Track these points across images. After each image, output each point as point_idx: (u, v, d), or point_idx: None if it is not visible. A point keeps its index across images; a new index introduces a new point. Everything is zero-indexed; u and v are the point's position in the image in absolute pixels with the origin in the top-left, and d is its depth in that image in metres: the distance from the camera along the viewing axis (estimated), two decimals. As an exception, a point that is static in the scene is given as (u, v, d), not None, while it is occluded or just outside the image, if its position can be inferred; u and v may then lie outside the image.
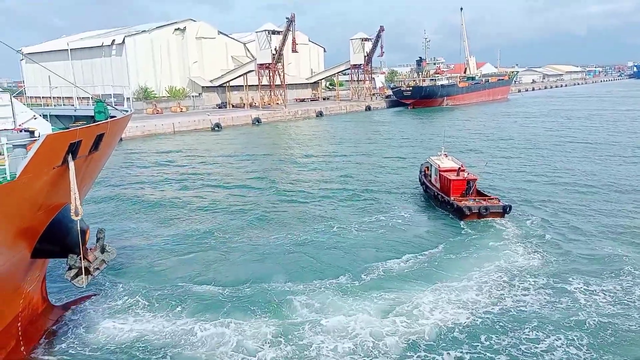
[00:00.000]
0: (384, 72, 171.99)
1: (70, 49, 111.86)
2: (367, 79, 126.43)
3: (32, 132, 13.07)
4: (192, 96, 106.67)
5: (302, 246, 23.75)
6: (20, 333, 14.30)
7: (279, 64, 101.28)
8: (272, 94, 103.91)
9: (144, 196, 34.91)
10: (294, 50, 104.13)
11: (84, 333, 15.85)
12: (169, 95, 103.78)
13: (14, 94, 17.26)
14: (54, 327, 16.13)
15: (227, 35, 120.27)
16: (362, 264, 21.08)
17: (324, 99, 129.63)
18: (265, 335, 15.69)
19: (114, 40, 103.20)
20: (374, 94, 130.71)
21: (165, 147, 60.47)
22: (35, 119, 15.25)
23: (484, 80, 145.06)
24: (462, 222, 26.32)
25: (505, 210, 26.65)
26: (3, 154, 11.13)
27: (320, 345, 15.07)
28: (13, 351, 13.96)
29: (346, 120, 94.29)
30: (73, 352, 14.92)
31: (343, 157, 49.85)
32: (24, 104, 15.98)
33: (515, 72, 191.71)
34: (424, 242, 23.77)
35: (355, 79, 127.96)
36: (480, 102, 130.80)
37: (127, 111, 17.17)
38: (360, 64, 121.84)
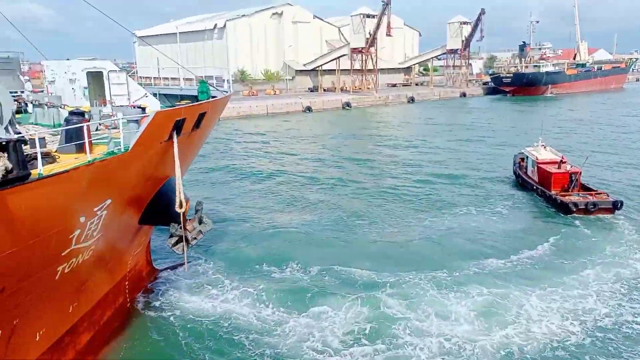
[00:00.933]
0: (482, 58, 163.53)
1: (178, 33, 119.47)
2: (464, 64, 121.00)
3: (143, 109, 14.24)
4: (286, 79, 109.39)
5: (392, 235, 23.07)
6: (127, 290, 15.90)
7: (372, 48, 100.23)
8: (364, 78, 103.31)
9: (238, 173, 36.75)
10: (388, 34, 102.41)
11: (177, 297, 17.09)
12: (264, 78, 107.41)
13: (128, 74, 18.89)
14: (154, 287, 17.68)
15: (321, 19, 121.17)
16: (457, 260, 19.69)
17: (416, 85, 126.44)
18: (354, 330, 14.81)
19: (216, 24, 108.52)
20: (470, 80, 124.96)
21: (259, 128, 62.92)
22: (146, 96, 16.60)
23: (595, 67, 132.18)
24: (566, 219, 24.30)
25: (615, 206, 24.34)
26: (119, 128, 12.23)
27: (412, 345, 14.08)
28: (121, 305, 15.59)
29: (439, 107, 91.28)
30: (166, 312, 16.19)
31: (433, 145, 48.48)
32: (137, 83, 17.43)
33: (635, 60, 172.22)
34: (525, 240, 21.85)
35: (451, 64, 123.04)
36: (590, 92, 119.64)
37: (227, 92, 18.08)
38: (457, 49, 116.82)
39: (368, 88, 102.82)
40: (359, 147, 48.11)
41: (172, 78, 24.97)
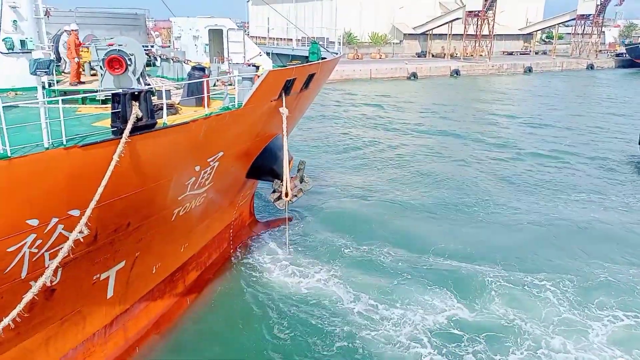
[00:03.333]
0: (618, 25, 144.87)
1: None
2: (595, 32, 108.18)
3: (257, 67, 14.69)
4: (393, 43, 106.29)
5: (499, 222, 20.78)
6: (231, 238, 17.09)
7: (490, 12, 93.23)
8: (477, 44, 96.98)
9: (336, 138, 37.02)
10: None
11: (274, 250, 17.93)
12: (370, 41, 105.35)
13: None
14: (254, 238, 18.78)
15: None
16: (582, 264, 16.83)
17: (536, 53, 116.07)
18: (448, 334, 13.23)
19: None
20: (600, 51, 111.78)
21: (360, 93, 62.39)
22: (260, 55, 17.12)
23: None
24: None
25: None
26: (234, 85, 12.80)
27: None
28: (225, 251, 16.84)
29: (560, 78, 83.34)
30: (263, 263, 17.09)
31: (548, 120, 44.64)
32: (256, 42, 18.02)
33: None
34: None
35: (580, 31, 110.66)
36: None
37: (336, 54, 18.04)
38: (590, 15, 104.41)
39: (480, 55, 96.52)
40: (463, 119, 45.80)
41: (280, 38, 25.39)
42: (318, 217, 21.15)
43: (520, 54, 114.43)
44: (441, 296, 14.93)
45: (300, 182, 16.13)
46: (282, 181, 15.08)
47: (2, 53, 13.48)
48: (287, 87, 13.88)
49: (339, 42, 19.76)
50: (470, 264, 16.85)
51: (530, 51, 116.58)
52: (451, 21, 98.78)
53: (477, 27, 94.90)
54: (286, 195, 15.11)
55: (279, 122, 14.39)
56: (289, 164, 15.25)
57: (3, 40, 13.41)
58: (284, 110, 14.08)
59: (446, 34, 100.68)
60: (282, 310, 14.42)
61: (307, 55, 17.50)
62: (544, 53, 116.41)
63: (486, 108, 52.29)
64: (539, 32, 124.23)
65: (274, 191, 15.54)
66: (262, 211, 21.38)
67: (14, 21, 13.67)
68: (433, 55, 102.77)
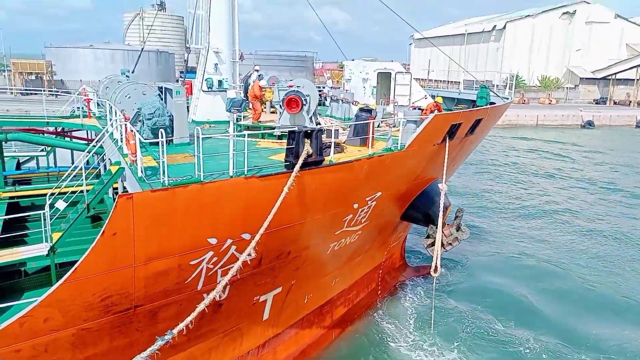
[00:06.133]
0: None
1: (452, 35, 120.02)
2: None
3: (421, 110, 14.68)
4: (566, 88, 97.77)
5: None
6: (379, 278, 16.98)
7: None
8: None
9: (498, 187, 34.78)
10: None
11: (419, 304, 17.21)
12: (539, 85, 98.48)
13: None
14: (403, 283, 18.36)
15: (625, 19, 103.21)
16: None
17: None
18: None
19: (495, 26, 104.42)
20: None
21: (525, 140, 58.18)
22: (425, 98, 17.12)
23: None
24: None
25: None
26: (398, 127, 12.94)
27: None
28: (372, 291, 16.77)
29: None
30: (411, 310, 16.55)
31: None
32: (420, 85, 18.15)
33: None
34: None
35: None
36: None
37: (506, 99, 17.16)
38: None
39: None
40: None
41: (444, 81, 25.08)
42: (470, 274, 19.79)
43: None
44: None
45: (457, 231, 15.40)
46: (437, 227, 14.59)
47: (202, 91, 15.77)
48: (452, 132, 13.58)
49: (509, 86, 18.75)
50: None
51: None
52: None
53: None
54: (441, 243, 14.53)
55: (439, 167, 14.09)
56: (446, 210, 14.71)
57: (205, 80, 15.71)
58: (446, 155, 13.76)
59: (633, 79, 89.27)
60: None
61: (474, 99, 16.97)
62: None
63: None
64: None
65: (427, 236, 15.09)
66: (413, 255, 20.89)
67: (215, 64, 15.97)
68: (615, 103, 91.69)
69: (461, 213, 15.53)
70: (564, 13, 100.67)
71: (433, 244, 14.87)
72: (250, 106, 15.18)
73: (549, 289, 18.52)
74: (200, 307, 9.30)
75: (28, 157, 19.20)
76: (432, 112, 14.48)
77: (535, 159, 46.38)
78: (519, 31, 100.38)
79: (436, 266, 14.23)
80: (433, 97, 19.03)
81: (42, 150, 18.84)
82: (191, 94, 16.69)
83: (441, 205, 14.21)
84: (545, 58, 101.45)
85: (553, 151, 50.25)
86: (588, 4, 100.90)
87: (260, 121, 15.14)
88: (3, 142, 15.16)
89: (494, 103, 16.41)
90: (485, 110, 14.97)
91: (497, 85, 19.47)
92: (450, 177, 16.97)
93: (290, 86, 13.58)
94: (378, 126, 14.94)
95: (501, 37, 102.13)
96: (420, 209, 15.09)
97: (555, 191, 33.47)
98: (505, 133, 63.25)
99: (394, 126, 13.58)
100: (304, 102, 13.21)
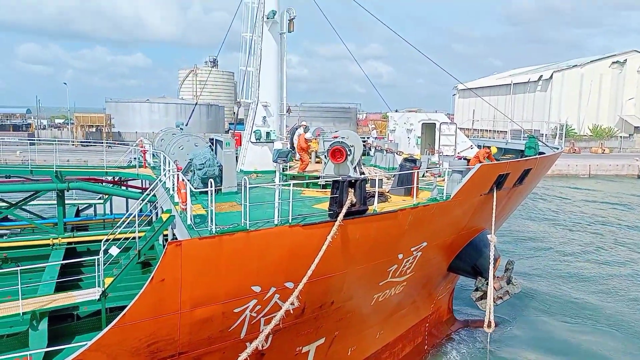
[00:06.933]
0: None
1: (497, 85, 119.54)
2: None
3: (468, 160, 14.56)
4: (620, 137, 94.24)
5: None
6: (426, 332, 16.33)
7: None
8: None
9: (551, 239, 33.22)
10: None
11: (473, 354, 16.41)
12: (591, 134, 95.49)
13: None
14: (451, 338, 17.55)
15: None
16: None
17: None
18: None
19: (541, 76, 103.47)
20: None
21: (577, 190, 55.86)
22: (471, 148, 16.99)
23: None
24: None
25: None
26: (444, 177, 12.85)
27: None
28: (419, 346, 16.10)
29: None
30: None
31: None
32: (465, 135, 18.10)
33: None
34: None
35: None
36: None
37: (557, 148, 16.77)
38: None
39: None
40: None
41: (489, 130, 24.84)
42: (524, 331, 18.68)
43: None
44: None
45: (507, 284, 14.75)
46: (486, 280, 14.05)
47: (251, 142, 16.38)
48: (499, 182, 13.32)
49: (558, 136, 18.35)
50: None
51: None
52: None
53: None
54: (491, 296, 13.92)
55: (487, 217, 13.75)
56: (496, 262, 14.19)
57: (254, 132, 16.35)
58: (494, 205, 13.45)
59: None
60: None
61: (522, 148, 16.68)
62: None
63: None
64: None
65: (476, 289, 14.52)
66: (462, 308, 20.03)
67: (264, 117, 16.64)
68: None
69: (512, 265, 14.93)
70: (613, 62, 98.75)
71: (482, 298, 14.28)
72: (297, 157, 15.57)
73: (612, 345, 17.18)
74: (243, 356, 9.26)
75: (87, 205, 20.29)
76: (484, 158, 14.33)
77: (590, 208, 44.26)
78: (566, 80, 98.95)
79: (489, 321, 13.63)
80: (480, 146, 18.88)
81: (99, 198, 19.89)
82: (240, 145, 17.36)
83: (491, 257, 13.74)
84: (596, 107, 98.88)
85: (609, 201, 47.87)
86: (639, 52, 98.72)
87: (305, 171, 15.45)
88: (65, 191, 16.14)
89: (543, 153, 16.06)
90: (534, 160, 14.66)
91: (545, 135, 19.08)
92: (499, 227, 16.48)
93: (335, 137, 13.88)
94: (423, 176, 14.88)
95: (548, 87, 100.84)
96: (468, 260, 14.63)
97: (612, 241, 31.60)
98: (556, 182, 61.06)
99: (439, 176, 13.49)
100: (348, 153, 13.42)
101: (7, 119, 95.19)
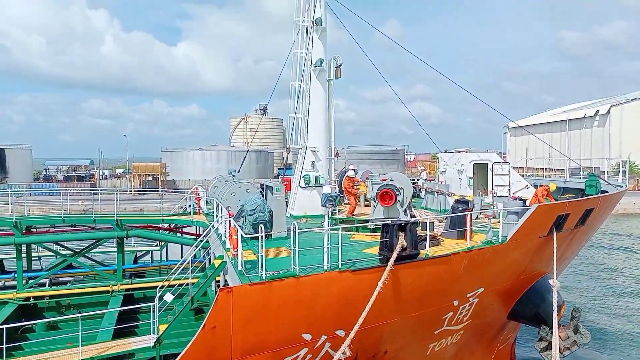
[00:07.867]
0: None
1: (550, 122, 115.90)
2: None
3: (524, 201, 13.99)
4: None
5: None
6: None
7: None
8: None
9: (620, 285, 30.73)
10: None
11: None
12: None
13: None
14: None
15: None
16: None
17: None
18: None
19: (597, 110, 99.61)
20: None
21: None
22: (527, 188, 16.35)
23: None
24: None
25: None
26: (499, 219, 12.36)
27: None
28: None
29: None
30: None
31: None
32: (519, 174, 17.51)
33: None
34: None
35: None
36: None
37: (621, 186, 15.84)
38: None
39: None
40: None
41: (543, 168, 23.94)
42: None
43: None
44: None
45: (575, 333, 13.69)
46: (550, 329, 13.11)
47: (300, 187, 16.59)
48: (559, 223, 12.64)
49: (621, 173, 17.37)
50: None
51: None
52: None
53: None
54: (557, 346, 12.95)
55: (548, 261, 12.99)
56: (560, 309, 13.26)
57: (303, 176, 16.59)
58: (555, 248, 12.72)
59: None
60: None
61: (582, 187, 15.86)
62: None
63: None
64: None
65: (540, 339, 13.55)
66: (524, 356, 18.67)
67: (312, 162, 16.90)
68: None
69: (578, 313, 13.89)
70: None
71: (547, 348, 13.31)
72: (346, 200, 15.56)
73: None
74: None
75: (144, 252, 21.02)
76: (543, 197, 13.72)
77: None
78: (625, 114, 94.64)
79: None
80: (536, 186, 18.15)
81: (156, 245, 20.58)
82: (290, 190, 17.60)
83: (554, 304, 12.87)
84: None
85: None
86: None
87: (354, 215, 15.36)
88: (125, 238, 16.85)
89: (605, 191, 15.19)
90: (596, 199, 13.87)
91: (606, 172, 18.10)
92: (561, 272, 15.52)
93: (383, 180, 13.80)
94: (476, 218, 14.40)
95: (605, 122, 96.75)
96: (529, 307, 13.76)
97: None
98: (622, 223, 57.20)
99: (493, 217, 13.01)
100: (398, 195, 13.26)
101: (73, 171, 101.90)
